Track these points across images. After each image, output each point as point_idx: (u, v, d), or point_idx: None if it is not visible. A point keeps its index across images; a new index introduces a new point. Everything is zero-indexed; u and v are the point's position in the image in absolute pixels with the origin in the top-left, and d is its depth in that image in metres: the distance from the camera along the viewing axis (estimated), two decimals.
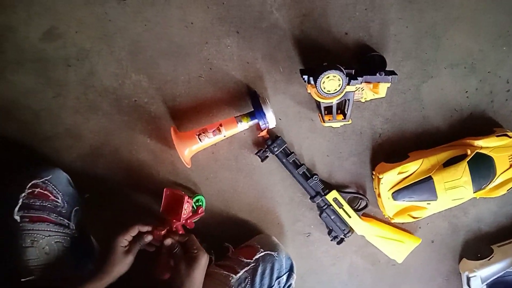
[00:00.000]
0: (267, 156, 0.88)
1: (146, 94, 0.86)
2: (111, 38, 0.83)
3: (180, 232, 0.81)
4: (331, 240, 0.93)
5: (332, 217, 0.91)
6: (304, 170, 0.89)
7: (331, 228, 0.92)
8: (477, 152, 0.83)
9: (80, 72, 0.83)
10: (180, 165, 0.89)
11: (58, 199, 0.74)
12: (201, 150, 0.85)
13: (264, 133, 0.86)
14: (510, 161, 0.86)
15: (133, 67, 0.84)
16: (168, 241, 0.75)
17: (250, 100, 0.86)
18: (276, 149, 0.87)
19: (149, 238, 0.76)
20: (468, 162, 0.83)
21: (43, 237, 0.70)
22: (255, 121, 0.83)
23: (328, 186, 0.91)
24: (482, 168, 0.84)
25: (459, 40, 0.86)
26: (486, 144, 0.85)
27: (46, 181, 0.74)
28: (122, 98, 0.85)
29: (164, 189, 0.83)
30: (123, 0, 0.81)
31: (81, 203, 0.81)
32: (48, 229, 0.71)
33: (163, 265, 0.78)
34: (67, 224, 0.74)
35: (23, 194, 0.70)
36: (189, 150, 0.83)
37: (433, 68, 0.87)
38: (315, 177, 0.89)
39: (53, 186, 0.74)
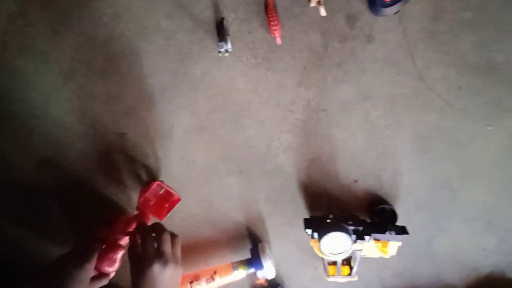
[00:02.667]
0: None
1: None
2: None
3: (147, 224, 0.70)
4: None
5: None
6: None
7: None
8: None
9: None
10: None
11: None
12: None
13: (262, 281, 0.79)
14: None
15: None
16: (133, 239, 0.66)
17: (250, 248, 0.80)
18: None
19: None
20: None
21: None
22: (253, 270, 0.77)
23: None
24: None
25: (476, 194, 0.80)
26: None
27: None
28: None
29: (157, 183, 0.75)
30: (124, 134, 0.79)
31: None
32: None
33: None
34: None
35: None
36: None
37: (447, 222, 0.81)
38: None
39: None
